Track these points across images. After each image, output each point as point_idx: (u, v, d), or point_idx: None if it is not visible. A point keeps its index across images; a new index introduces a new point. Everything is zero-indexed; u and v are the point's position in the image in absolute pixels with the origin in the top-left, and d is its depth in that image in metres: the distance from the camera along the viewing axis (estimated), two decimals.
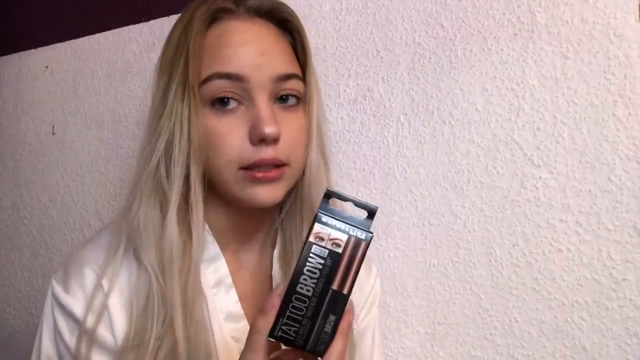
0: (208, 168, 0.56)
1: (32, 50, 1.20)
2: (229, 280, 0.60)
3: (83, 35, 1.13)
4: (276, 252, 0.65)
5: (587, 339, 0.71)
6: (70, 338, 0.55)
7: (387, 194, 0.84)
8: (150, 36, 1.04)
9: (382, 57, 0.85)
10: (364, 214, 0.47)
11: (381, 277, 0.83)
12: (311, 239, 0.45)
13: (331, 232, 0.45)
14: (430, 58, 0.81)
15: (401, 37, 0.84)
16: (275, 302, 0.45)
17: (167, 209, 0.54)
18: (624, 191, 0.70)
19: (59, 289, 0.57)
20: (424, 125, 0.82)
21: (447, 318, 0.79)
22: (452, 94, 0.80)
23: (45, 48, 1.18)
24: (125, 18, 1.08)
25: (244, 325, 0.60)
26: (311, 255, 0.45)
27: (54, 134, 1.16)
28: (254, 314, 0.61)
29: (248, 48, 0.55)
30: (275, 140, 0.54)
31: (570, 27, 0.73)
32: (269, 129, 0.53)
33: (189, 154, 0.54)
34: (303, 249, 0.45)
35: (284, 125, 0.55)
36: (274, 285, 0.64)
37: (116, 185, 1.07)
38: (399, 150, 0.83)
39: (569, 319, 0.72)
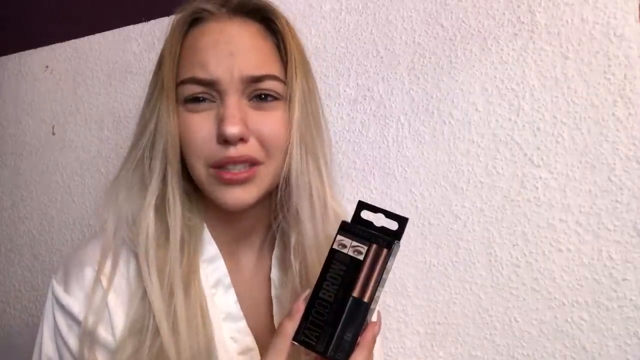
0: (187, 166, 0.57)
1: (32, 50, 1.19)
2: (228, 280, 0.61)
3: (83, 35, 1.13)
4: (275, 253, 0.65)
5: (587, 339, 0.71)
6: (70, 338, 0.55)
7: (387, 194, 0.84)
8: (150, 36, 1.04)
9: (382, 57, 0.85)
10: (395, 225, 0.48)
11: None
12: (334, 246, 0.46)
13: (353, 240, 0.46)
14: (430, 58, 0.81)
15: (401, 37, 0.84)
16: (301, 306, 0.47)
17: (148, 201, 0.56)
18: (624, 191, 0.70)
19: (59, 289, 0.57)
20: (424, 125, 0.82)
21: (447, 318, 0.79)
22: (452, 94, 0.80)
23: (45, 48, 1.18)
24: (125, 18, 1.08)
25: (243, 326, 0.60)
26: (333, 261, 0.46)
27: (54, 134, 1.16)
28: (252, 315, 0.61)
29: (217, 50, 0.55)
30: (242, 139, 0.54)
31: (570, 27, 0.73)
32: (230, 130, 0.52)
33: (164, 150, 0.56)
34: (327, 255, 0.46)
35: (258, 123, 0.55)
36: (272, 287, 0.64)
37: None
38: (399, 150, 0.83)
39: (569, 319, 0.72)
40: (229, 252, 0.62)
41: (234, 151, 0.53)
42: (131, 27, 1.07)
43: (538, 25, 0.75)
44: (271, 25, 0.59)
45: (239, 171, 0.54)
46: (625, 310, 0.70)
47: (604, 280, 0.71)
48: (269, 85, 0.56)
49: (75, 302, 0.56)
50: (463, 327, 0.78)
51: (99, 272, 0.56)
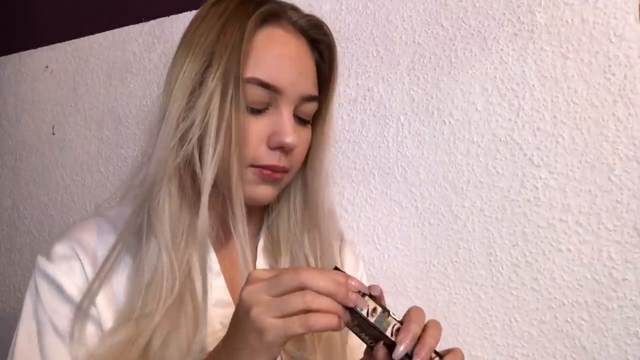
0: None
1: (32, 50, 1.20)
2: (217, 267, 0.62)
3: (83, 35, 1.13)
4: (261, 243, 0.67)
5: (587, 339, 0.71)
6: (51, 306, 0.56)
7: (387, 194, 0.84)
8: (150, 36, 1.04)
9: (382, 57, 0.85)
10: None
11: (381, 277, 0.84)
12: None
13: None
14: (430, 58, 0.81)
15: (401, 37, 0.84)
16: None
17: (200, 197, 0.55)
18: (624, 191, 0.70)
19: (42, 259, 0.58)
20: (424, 125, 0.82)
21: (447, 318, 0.79)
22: (452, 94, 0.80)
23: (45, 48, 1.18)
24: (125, 18, 1.08)
25: (232, 312, 0.60)
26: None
27: (54, 134, 1.16)
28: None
29: (290, 64, 0.58)
30: (291, 150, 0.58)
31: (570, 27, 0.73)
32: (290, 139, 0.56)
33: (227, 150, 0.55)
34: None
35: (299, 138, 0.59)
36: None
37: (116, 185, 1.07)
38: (399, 150, 0.83)
39: (569, 319, 0.72)
40: (218, 240, 0.63)
41: (281, 159, 0.58)
42: (131, 27, 1.07)
43: (538, 25, 0.75)
44: (318, 44, 0.63)
45: (276, 172, 0.59)
46: (625, 310, 0.70)
47: (604, 280, 0.71)
48: (312, 107, 0.61)
49: (57, 270, 0.56)
50: (463, 327, 0.78)
51: (81, 250, 0.57)
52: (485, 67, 0.78)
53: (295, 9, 0.62)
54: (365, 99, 0.86)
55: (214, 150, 0.54)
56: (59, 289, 0.56)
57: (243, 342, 0.44)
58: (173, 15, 1.02)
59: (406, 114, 0.83)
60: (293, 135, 0.57)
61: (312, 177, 0.64)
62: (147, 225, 0.57)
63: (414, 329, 0.46)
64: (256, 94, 0.56)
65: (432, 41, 0.81)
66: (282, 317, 0.43)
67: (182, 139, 0.56)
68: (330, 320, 0.43)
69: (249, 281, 0.46)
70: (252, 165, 0.57)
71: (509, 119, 0.76)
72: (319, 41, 0.63)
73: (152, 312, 0.53)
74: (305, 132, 0.61)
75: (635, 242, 0.69)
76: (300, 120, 0.60)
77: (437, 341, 0.46)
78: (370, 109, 0.85)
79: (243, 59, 0.55)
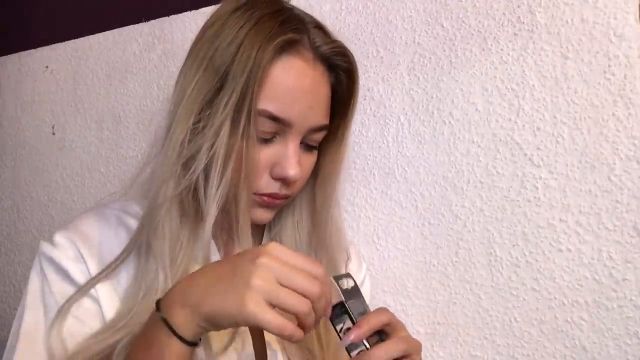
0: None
1: (32, 50, 1.20)
2: None
3: (83, 35, 1.13)
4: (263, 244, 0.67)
5: (587, 339, 0.71)
6: (58, 288, 0.56)
7: (387, 194, 0.84)
8: (150, 36, 1.04)
9: (382, 57, 0.85)
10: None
11: (381, 277, 0.84)
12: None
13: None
14: (430, 58, 0.81)
15: (401, 37, 0.84)
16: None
17: (203, 226, 0.54)
18: (624, 191, 0.70)
19: (45, 244, 0.58)
20: (424, 125, 0.82)
21: (447, 318, 0.79)
22: (452, 94, 0.80)
23: (45, 48, 1.18)
24: (125, 18, 1.08)
25: None
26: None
27: (54, 134, 1.16)
28: None
29: (303, 97, 0.56)
30: (293, 182, 0.58)
31: (570, 27, 0.73)
32: (293, 172, 0.56)
33: (235, 180, 0.54)
34: None
35: (303, 165, 0.59)
36: None
37: (116, 185, 1.07)
38: (399, 150, 0.83)
39: (569, 319, 0.72)
40: (221, 241, 0.64)
41: (279, 188, 0.58)
42: (131, 27, 1.07)
43: (538, 25, 0.75)
44: (337, 71, 0.61)
45: (276, 199, 0.59)
46: (625, 310, 0.70)
47: (604, 280, 0.71)
48: (320, 135, 0.60)
49: (61, 255, 0.56)
50: (463, 327, 0.78)
51: (84, 244, 0.58)
52: (485, 67, 0.78)
53: (321, 27, 0.59)
54: (365, 99, 0.86)
55: (220, 182, 0.53)
56: (65, 274, 0.56)
57: (230, 282, 0.44)
58: (173, 15, 1.02)
59: (406, 114, 0.83)
60: (297, 169, 0.56)
61: (322, 200, 0.64)
62: (146, 242, 0.56)
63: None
64: (265, 125, 0.55)
65: (432, 41, 0.81)
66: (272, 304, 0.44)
67: (186, 167, 0.54)
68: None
69: (269, 251, 0.45)
70: (254, 193, 0.57)
71: (509, 119, 0.76)
72: (339, 67, 0.60)
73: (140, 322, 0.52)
74: (310, 158, 0.61)
75: (635, 242, 0.69)
76: (307, 146, 0.60)
77: (380, 321, 0.50)
78: (370, 109, 0.85)
79: (257, 89, 0.53)
